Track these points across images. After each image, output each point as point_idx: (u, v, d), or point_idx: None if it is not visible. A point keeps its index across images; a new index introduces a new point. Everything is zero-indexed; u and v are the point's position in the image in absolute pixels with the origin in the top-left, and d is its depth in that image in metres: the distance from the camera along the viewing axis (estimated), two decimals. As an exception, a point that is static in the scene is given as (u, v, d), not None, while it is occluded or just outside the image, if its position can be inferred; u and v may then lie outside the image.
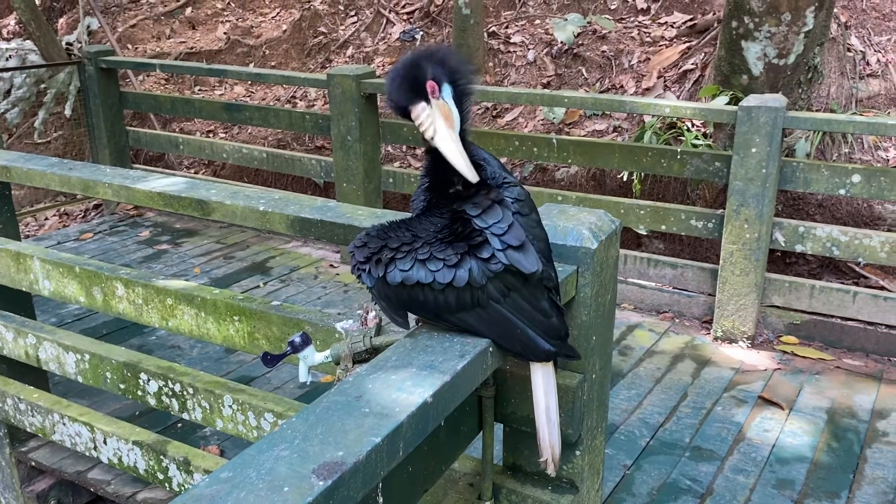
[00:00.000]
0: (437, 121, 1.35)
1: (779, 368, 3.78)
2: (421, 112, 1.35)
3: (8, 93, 7.22)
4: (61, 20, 8.82)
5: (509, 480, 1.81)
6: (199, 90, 7.70)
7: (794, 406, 3.45)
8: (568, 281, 1.62)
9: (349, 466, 1.02)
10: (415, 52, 1.39)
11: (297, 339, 1.59)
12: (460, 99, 1.39)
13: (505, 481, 1.80)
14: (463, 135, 1.40)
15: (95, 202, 6.80)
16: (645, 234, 4.93)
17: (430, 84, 1.34)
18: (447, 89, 1.37)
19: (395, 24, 7.42)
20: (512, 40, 6.54)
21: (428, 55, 1.37)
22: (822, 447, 3.16)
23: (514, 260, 1.34)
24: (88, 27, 7.94)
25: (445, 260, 1.33)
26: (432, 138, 1.35)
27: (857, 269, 4.57)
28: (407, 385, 1.22)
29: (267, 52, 7.82)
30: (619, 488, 2.91)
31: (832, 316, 3.97)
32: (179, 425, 3.34)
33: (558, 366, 1.52)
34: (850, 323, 3.93)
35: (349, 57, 7.37)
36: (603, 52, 6.06)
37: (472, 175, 1.35)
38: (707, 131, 4.86)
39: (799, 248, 3.93)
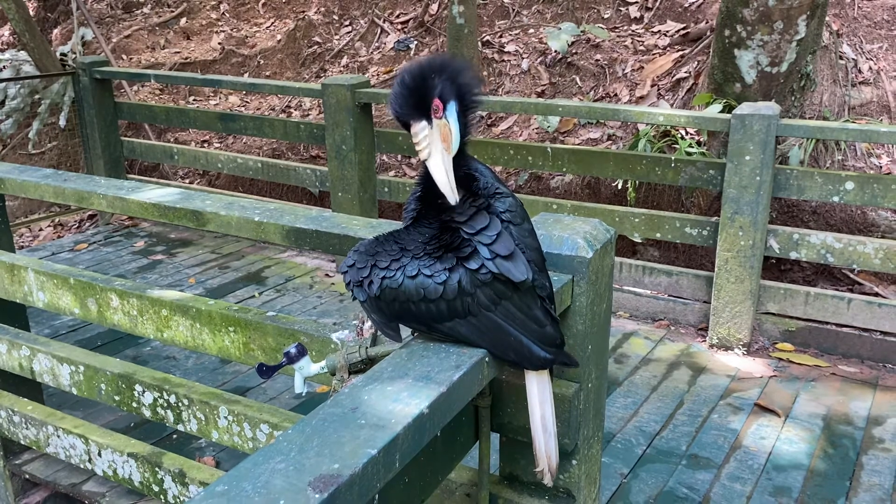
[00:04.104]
0: (434, 143, 1.34)
1: (774, 375, 3.78)
2: (420, 131, 1.34)
3: (2, 103, 7.21)
4: (55, 31, 8.83)
5: (506, 490, 1.80)
6: (194, 100, 7.70)
7: (790, 413, 3.46)
8: (563, 290, 1.62)
9: (345, 479, 1.02)
10: (426, 62, 1.35)
11: (293, 350, 1.59)
12: (464, 112, 1.38)
13: (502, 491, 1.80)
14: (463, 147, 1.40)
15: (90, 213, 6.79)
16: (640, 242, 4.94)
17: (435, 103, 1.32)
18: (452, 106, 1.35)
19: (389, 34, 7.44)
20: (506, 49, 6.56)
21: (439, 68, 1.34)
22: (818, 454, 3.16)
23: (504, 269, 1.34)
24: (83, 38, 7.94)
25: (434, 276, 1.34)
26: (425, 160, 1.35)
27: (851, 275, 4.58)
28: (403, 396, 1.22)
29: (261, 62, 7.83)
30: (615, 497, 2.91)
31: (827, 323, 3.98)
32: (175, 437, 3.32)
33: (554, 375, 1.52)
34: (845, 329, 3.94)
35: (344, 66, 7.38)
36: (597, 60, 6.08)
37: (453, 198, 1.35)
38: (701, 139, 4.88)
39: (793, 255, 3.94)
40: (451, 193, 1.35)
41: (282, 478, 1.01)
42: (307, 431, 1.12)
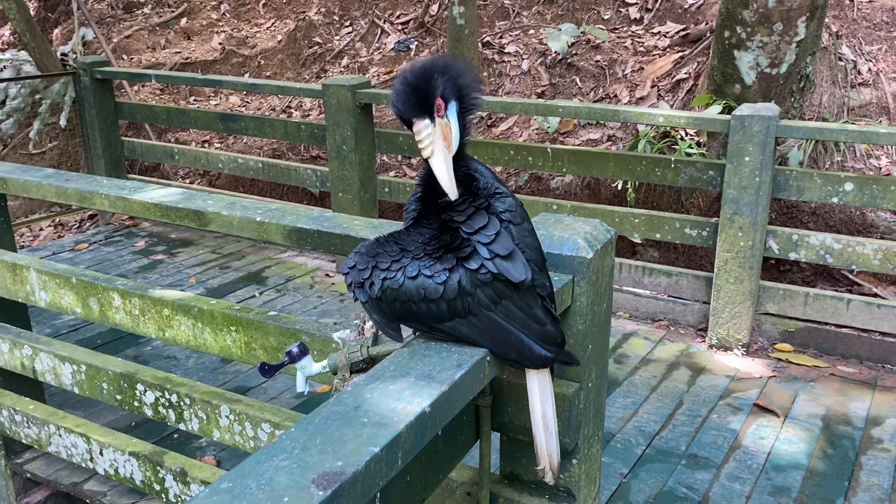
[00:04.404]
0: (437, 141, 1.36)
1: (774, 376, 3.79)
2: (423, 129, 1.36)
3: (3, 103, 7.22)
4: (56, 31, 8.83)
5: (506, 489, 1.81)
6: (195, 100, 7.71)
7: (789, 413, 3.47)
8: (564, 290, 1.63)
9: (348, 476, 1.03)
10: (429, 61, 1.37)
11: (295, 350, 1.60)
12: (464, 114, 1.40)
13: (502, 490, 1.81)
14: (462, 147, 1.41)
15: (90, 212, 6.79)
16: (640, 242, 4.95)
17: (438, 102, 1.34)
18: (453, 106, 1.37)
19: (389, 35, 7.45)
20: (506, 50, 6.57)
21: (442, 69, 1.36)
22: (817, 454, 3.17)
23: (503, 269, 1.35)
24: (83, 38, 7.95)
25: (434, 276, 1.35)
26: (428, 157, 1.37)
27: (850, 276, 4.59)
28: (405, 395, 1.23)
29: (262, 62, 7.84)
30: (615, 497, 2.92)
31: (826, 323, 3.99)
32: (176, 436, 3.33)
33: (554, 374, 1.53)
34: (844, 330, 3.95)
35: (344, 67, 7.39)
36: (597, 61, 6.09)
37: (454, 195, 1.37)
38: (701, 140, 4.89)
39: (793, 256, 3.95)
40: (452, 190, 1.37)
41: (286, 475, 1.02)
42: (310, 429, 1.13)
